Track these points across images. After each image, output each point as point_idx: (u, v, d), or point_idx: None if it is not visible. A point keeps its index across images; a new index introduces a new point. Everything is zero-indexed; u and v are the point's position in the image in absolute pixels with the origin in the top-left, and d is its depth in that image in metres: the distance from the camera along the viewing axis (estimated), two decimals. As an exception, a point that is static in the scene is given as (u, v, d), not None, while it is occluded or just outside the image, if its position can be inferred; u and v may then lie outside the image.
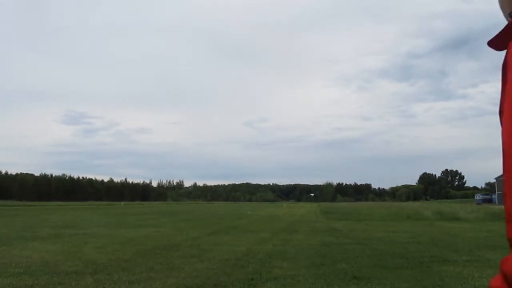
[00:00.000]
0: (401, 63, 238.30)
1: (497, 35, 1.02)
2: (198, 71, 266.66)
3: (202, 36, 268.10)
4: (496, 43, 1.03)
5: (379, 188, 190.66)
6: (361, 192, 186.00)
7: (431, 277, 6.24)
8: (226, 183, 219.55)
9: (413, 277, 6.18)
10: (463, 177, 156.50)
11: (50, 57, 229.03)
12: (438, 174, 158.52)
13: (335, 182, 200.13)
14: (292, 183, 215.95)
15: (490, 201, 74.05)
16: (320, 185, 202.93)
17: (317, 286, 5.57)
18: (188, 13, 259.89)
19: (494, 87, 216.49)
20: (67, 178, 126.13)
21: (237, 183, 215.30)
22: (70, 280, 5.69)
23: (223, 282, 5.72)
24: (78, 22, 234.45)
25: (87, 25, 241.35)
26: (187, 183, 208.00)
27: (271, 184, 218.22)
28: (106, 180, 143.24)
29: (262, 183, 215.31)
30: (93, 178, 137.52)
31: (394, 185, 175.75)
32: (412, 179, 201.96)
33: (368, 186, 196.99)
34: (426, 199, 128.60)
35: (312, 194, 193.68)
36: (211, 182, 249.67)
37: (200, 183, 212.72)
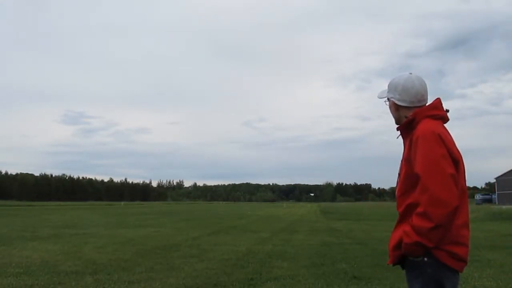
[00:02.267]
0: (400, 63, 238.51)
1: (402, 124, 2.13)
2: (198, 71, 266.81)
3: (202, 36, 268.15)
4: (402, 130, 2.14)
5: (379, 188, 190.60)
6: (361, 192, 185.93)
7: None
8: (226, 183, 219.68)
9: (413, 277, 6.17)
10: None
11: (50, 57, 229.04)
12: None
13: (335, 182, 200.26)
14: (292, 183, 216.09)
15: (490, 201, 74.08)
16: (320, 185, 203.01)
17: (317, 286, 5.57)
18: (188, 13, 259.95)
19: (493, 87, 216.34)
20: (67, 178, 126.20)
21: (237, 183, 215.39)
22: (70, 280, 5.68)
23: (223, 282, 5.72)
24: (78, 22, 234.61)
25: (87, 25, 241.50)
26: (187, 183, 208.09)
27: (271, 184, 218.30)
28: (106, 180, 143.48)
29: (262, 183, 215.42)
30: (93, 178, 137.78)
31: (394, 185, 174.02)
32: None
33: (368, 186, 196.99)
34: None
35: (312, 194, 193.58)
36: (211, 182, 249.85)
37: (200, 183, 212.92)
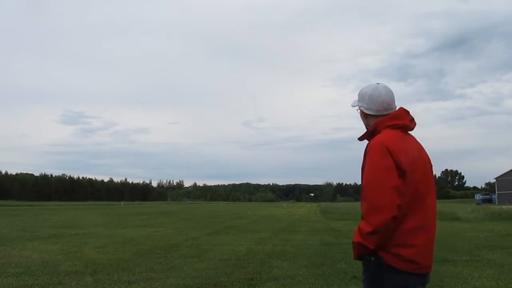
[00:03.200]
0: (399, 63, 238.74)
1: (363, 135, 2.26)
2: (198, 71, 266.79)
3: (201, 36, 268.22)
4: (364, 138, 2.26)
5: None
6: (361, 192, 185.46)
7: (431, 277, 6.23)
8: (226, 183, 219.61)
9: (413, 277, 6.17)
10: (463, 177, 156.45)
11: (49, 57, 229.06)
12: (438, 174, 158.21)
13: (335, 182, 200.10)
14: (292, 183, 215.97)
15: (490, 201, 73.98)
16: (320, 185, 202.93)
17: (317, 286, 5.58)
18: (188, 13, 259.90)
19: (492, 87, 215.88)
20: (67, 178, 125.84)
21: (237, 183, 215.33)
22: (70, 280, 5.69)
23: (223, 282, 5.72)
24: (77, 22, 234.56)
25: (86, 25, 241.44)
26: (187, 183, 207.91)
27: (271, 184, 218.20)
28: (106, 180, 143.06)
29: (262, 183, 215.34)
30: (93, 178, 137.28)
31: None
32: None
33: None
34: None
35: (312, 194, 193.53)
36: (211, 182, 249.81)
37: (200, 183, 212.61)
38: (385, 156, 1.99)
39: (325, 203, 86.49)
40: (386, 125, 2.15)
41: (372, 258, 2.05)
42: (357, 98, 2.33)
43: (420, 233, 2.05)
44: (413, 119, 2.23)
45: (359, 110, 2.33)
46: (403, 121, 2.17)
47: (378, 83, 2.26)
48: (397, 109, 2.23)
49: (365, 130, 2.30)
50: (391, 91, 2.25)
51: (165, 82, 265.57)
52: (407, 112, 2.23)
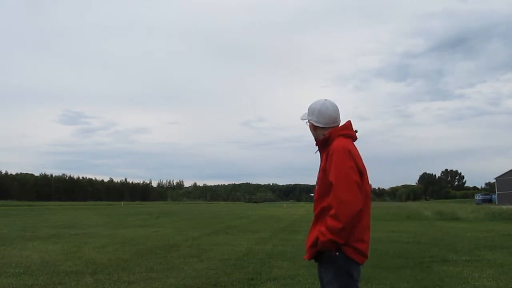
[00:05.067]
0: (398, 63, 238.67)
1: (319, 141, 2.58)
2: (197, 71, 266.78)
3: (201, 36, 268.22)
4: (320, 145, 2.59)
5: (378, 188, 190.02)
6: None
7: (431, 277, 6.24)
8: (226, 183, 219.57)
9: (413, 277, 6.18)
10: (463, 177, 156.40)
11: (49, 57, 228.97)
12: (438, 174, 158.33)
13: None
14: (292, 183, 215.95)
15: (490, 201, 73.98)
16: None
17: (317, 286, 5.57)
18: (188, 13, 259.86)
19: (491, 87, 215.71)
20: (67, 178, 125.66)
21: (237, 183, 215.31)
22: (70, 280, 5.69)
23: (223, 282, 5.72)
24: (77, 22, 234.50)
25: (87, 25, 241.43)
26: (187, 183, 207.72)
27: (271, 184, 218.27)
28: (106, 180, 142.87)
29: (262, 183, 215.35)
30: (93, 178, 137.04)
31: (394, 185, 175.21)
32: (412, 179, 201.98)
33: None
34: (426, 199, 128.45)
35: (312, 194, 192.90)
36: (211, 182, 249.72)
37: (200, 183, 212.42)
38: (349, 157, 2.35)
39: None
40: (339, 134, 2.52)
41: (337, 253, 2.32)
42: (307, 112, 2.66)
43: (368, 231, 2.48)
44: (356, 131, 2.63)
45: (308, 123, 2.66)
46: (352, 132, 2.58)
47: (325, 100, 2.61)
48: (346, 121, 2.61)
49: (314, 139, 2.65)
50: (336, 107, 2.61)
51: (165, 82, 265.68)
52: (352, 124, 2.63)
